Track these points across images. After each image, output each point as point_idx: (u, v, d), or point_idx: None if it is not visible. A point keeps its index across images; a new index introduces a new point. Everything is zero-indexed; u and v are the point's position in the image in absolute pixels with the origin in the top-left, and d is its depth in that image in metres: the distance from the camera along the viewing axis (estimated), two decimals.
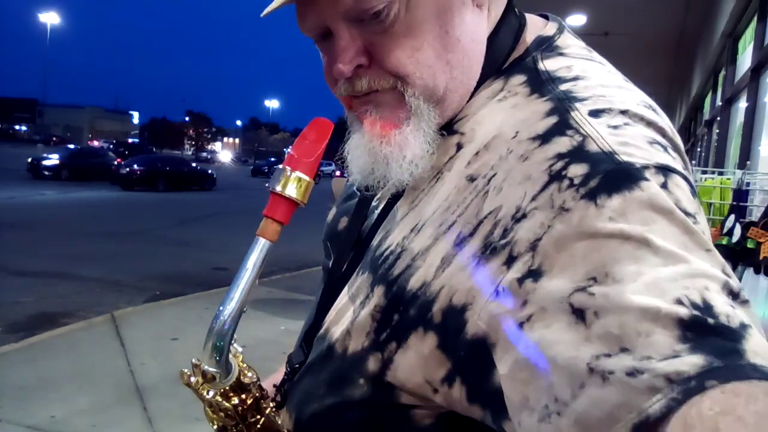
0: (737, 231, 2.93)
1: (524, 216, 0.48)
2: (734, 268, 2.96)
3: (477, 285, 0.49)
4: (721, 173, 4.04)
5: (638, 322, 0.39)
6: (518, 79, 0.60)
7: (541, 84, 0.58)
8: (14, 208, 12.65)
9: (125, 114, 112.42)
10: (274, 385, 0.67)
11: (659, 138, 0.51)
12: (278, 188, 0.58)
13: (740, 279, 2.90)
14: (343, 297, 0.62)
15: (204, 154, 67.04)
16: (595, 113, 0.52)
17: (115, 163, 22.44)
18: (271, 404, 0.64)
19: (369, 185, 0.62)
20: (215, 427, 0.64)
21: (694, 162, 7.92)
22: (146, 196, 17.79)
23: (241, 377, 0.60)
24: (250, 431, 0.62)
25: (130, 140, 69.38)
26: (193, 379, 0.59)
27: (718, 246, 3.03)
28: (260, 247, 0.58)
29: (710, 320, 0.38)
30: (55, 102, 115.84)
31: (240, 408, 0.61)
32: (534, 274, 0.45)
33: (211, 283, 6.46)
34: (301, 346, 0.67)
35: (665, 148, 0.50)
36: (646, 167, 0.46)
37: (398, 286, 0.55)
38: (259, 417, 0.62)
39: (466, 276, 0.50)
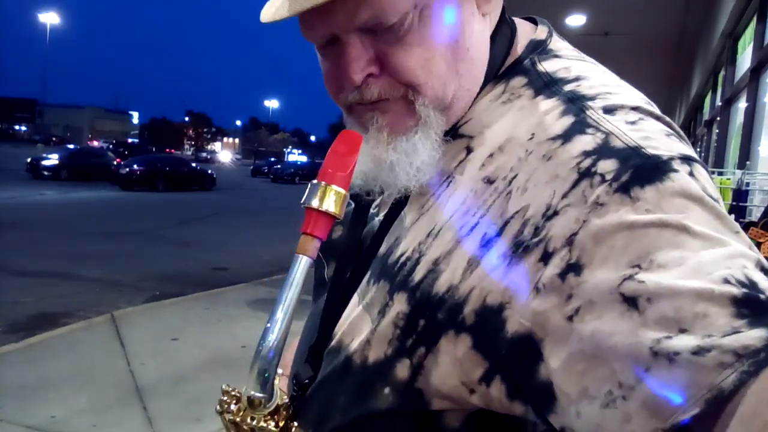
0: None
1: (556, 213, 0.49)
2: None
3: (513, 284, 0.50)
4: (720, 173, 4.04)
5: (694, 303, 0.41)
6: (519, 81, 0.61)
7: (544, 85, 0.58)
8: (14, 208, 12.66)
9: (125, 114, 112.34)
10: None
11: (670, 130, 0.53)
12: (315, 203, 0.56)
13: None
14: (355, 308, 0.61)
15: (204, 154, 66.99)
16: (609, 110, 0.53)
17: (115, 163, 22.48)
18: (295, 425, 0.62)
19: (370, 190, 0.62)
20: None
21: None
22: (146, 196, 17.80)
23: (278, 400, 0.59)
24: None
25: (129, 140, 69.35)
26: (233, 406, 0.58)
27: None
28: (302, 265, 0.57)
29: (761, 296, 0.40)
30: (55, 102, 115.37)
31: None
32: (574, 267, 0.46)
33: (211, 283, 6.46)
34: (308, 360, 0.65)
35: (679, 139, 0.52)
36: (672, 158, 0.48)
37: (422, 291, 0.55)
38: None
39: (499, 276, 0.51)
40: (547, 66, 0.60)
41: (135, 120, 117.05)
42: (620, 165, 0.48)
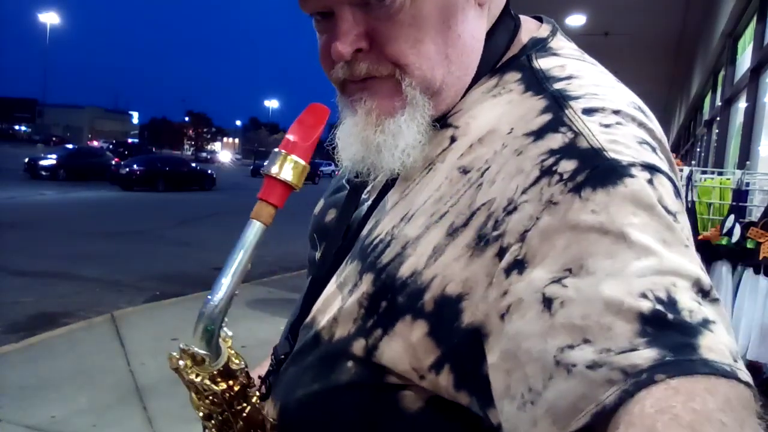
0: (737, 231, 2.93)
1: (515, 209, 0.49)
2: (734, 268, 2.96)
3: (474, 276, 0.50)
4: (720, 173, 4.04)
5: (601, 314, 0.41)
6: (513, 76, 0.61)
7: (535, 82, 0.59)
8: (14, 208, 12.65)
9: (125, 114, 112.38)
10: (259, 377, 0.67)
11: (648, 139, 0.52)
12: (273, 171, 0.58)
13: (740, 279, 2.90)
14: (331, 286, 0.62)
15: (204, 154, 66.99)
16: (588, 111, 0.53)
17: (113, 162, 22.43)
18: (257, 394, 0.63)
19: (358, 172, 0.63)
20: (201, 414, 0.63)
21: (693, 162, 7.92)
22: (146, 196, 17.78)
23: (230, 363, 0.59)
24: (236, 419, 0.62)
25: (129, 140, 69.33)
26: (181, 362, 0.59)
27: (718, 246, 3.04)
28: (254, 229, 0.58)
29: (670, 315, 0.40)
30: (54, 102, 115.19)
31: (227, 394, 0.60)
32: (519, 264, 0.47)
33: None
34: (287, 337, 0.67)
35: (654, 149, 0.51)
36: (632, 165, 0.47)
37: (387, 273, 0.55)
38: (245, 405, 0.62)
39: (461, 266, 0.51)
40: (542, 63, 0.61)
41: (135, 120, 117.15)
42: (578, 165, 0.48)
